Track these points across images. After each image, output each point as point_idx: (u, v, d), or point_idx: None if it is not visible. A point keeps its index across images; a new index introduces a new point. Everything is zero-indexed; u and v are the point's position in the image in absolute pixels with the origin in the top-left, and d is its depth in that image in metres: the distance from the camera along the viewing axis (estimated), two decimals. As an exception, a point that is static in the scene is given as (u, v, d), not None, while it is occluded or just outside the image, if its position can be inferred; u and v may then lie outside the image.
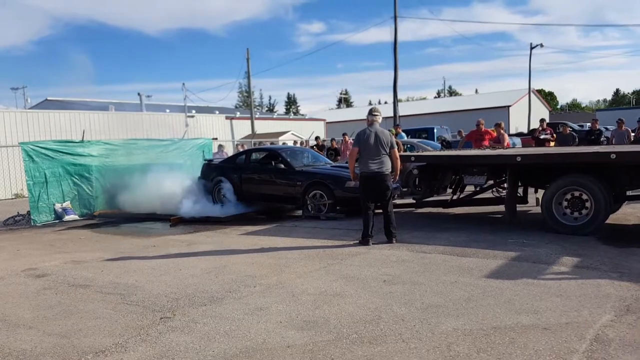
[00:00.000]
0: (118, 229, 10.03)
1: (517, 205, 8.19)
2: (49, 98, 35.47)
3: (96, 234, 9.59)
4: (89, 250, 7.88)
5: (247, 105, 48.58)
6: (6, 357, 3.77)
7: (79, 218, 11.34)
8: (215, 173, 11.39)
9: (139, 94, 31.34)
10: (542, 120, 14.86)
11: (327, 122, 45.11)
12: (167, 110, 30.38)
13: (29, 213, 11.24)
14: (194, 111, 30.62)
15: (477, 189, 9.52)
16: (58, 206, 11.12)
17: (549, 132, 14.36)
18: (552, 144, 13.71)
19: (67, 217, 11.09)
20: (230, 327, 4.12)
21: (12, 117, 20.10)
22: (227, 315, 4.40)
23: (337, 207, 9.83)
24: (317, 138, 19.52)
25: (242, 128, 34.02)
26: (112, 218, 11.12)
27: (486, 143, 11.49)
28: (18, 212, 11.54)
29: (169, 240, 8.35)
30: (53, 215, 11.14)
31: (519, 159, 7.53)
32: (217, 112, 35.34)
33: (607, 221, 7.27)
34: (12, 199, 15.41)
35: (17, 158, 14.13)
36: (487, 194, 9.91)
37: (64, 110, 23.59)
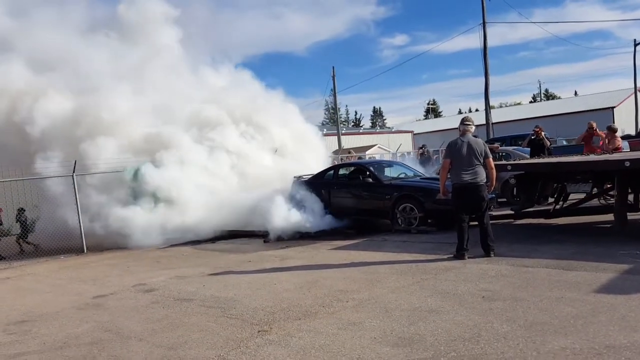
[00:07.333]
0: (216, 245, 10.53)
1: (628, 213, 7.55)
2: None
3: (197, 250, 10.14)
4: (191, 266, 8.34)
5: (333, 121, 49.22)
6: (121, 366, 4.07)
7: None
8: (305, 189, 11.59)
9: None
10: None
11: (414, 134, 44.49)
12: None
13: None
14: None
15: (583, 197, 8.87)
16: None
17: None
18: None
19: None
20: (325, 341, 4.14)
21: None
22: (321, 330, 4.43)
23: (429, 220, 9.59)
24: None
25: (329, 144, 34.42)
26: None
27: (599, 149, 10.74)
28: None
29: (263, 256, 8.62)
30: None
31: (627, 163, 6.93)
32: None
33: None
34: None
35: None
36: (594, 202, 9.20)
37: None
